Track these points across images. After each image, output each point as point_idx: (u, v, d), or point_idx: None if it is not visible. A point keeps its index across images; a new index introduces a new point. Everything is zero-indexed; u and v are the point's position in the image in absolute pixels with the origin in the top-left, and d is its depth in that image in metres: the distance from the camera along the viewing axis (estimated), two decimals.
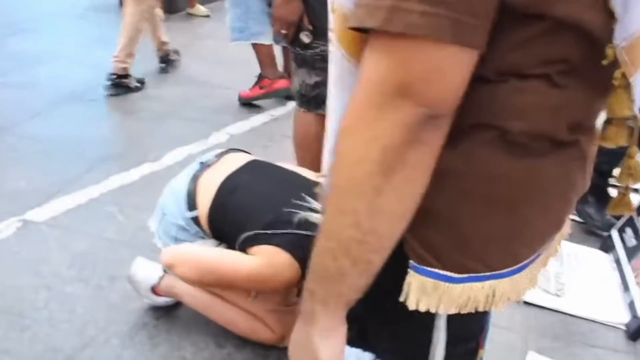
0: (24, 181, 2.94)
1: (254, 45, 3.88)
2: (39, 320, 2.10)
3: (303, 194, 1.85)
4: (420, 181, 0.72)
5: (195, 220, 2.02)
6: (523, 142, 0.75)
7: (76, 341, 2.02)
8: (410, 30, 0.63)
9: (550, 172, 0.79)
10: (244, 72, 4.40)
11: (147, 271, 2.14)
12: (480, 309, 0.83)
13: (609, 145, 0.81)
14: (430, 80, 0.65)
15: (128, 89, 4.10)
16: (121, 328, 2.09)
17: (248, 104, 4.05)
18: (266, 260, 1.85)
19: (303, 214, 1.79)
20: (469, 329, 0.94)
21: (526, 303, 2.38)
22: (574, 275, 2.58)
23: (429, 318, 0.86)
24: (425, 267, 0.81)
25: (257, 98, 4.05)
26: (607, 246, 2.82)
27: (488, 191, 0.78)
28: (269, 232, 1.85)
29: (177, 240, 2.03)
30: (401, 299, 0.82)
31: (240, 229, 1.90)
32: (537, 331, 2.27)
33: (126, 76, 4.09)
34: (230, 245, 1.96)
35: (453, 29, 0.63)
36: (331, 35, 0.84)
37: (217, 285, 1.96)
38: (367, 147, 0.68)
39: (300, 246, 1.79)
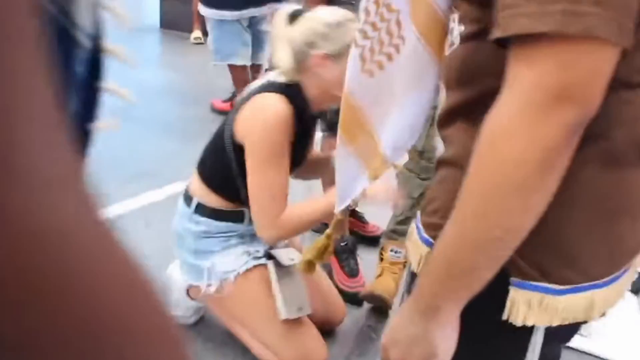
0: None
1: (229, 66, 4.03)
2: None
3: None
4: (559, 180, 0.73)
5: (200, 207, 2.01)
6: (621, 152, 0.76)
7: None
8: (589, 33, 0.64)
9: None
10: None
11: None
12: (580, 319, 0.85)
13: None
14: (590, 81, 0.67)
15: None
16: None
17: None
18: (251, 110, 1.96)
19: None
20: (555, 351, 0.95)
21: None
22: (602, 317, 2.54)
23: (523, 334, 0.86)
24: (530, 282, 0.82)
25: (226, 113, 4.19)
26: (636, 288, 2.77)
27: (590, 203, 0.79)
28: None
29: (197, 251, 2.02)
30: (504, 316, 0.83)
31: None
32: None
33: None
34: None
35: (619, 30, 0.65)
36: (409, 24, 0.86)
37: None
38: (528, 149, 0.68)
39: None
